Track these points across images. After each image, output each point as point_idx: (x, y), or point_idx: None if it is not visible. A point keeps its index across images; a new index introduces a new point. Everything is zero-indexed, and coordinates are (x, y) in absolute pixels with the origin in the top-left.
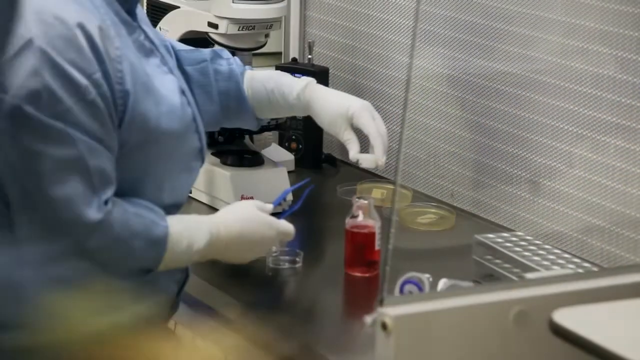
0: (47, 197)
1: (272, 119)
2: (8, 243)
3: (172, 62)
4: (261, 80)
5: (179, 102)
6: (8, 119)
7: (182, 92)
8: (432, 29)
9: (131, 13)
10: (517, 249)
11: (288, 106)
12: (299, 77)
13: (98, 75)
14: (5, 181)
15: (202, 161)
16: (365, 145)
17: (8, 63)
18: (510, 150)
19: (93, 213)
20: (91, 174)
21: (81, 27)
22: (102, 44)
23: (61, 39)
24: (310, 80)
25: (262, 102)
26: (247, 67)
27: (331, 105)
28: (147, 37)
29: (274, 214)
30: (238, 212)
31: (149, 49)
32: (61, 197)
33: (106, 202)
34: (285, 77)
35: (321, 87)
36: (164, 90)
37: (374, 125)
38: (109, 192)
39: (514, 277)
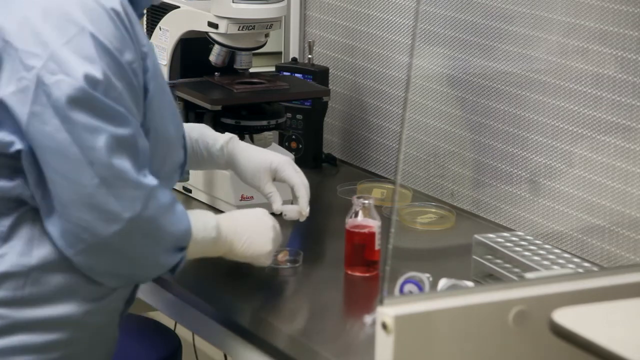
0: (108, 165)
1: (272, 120)
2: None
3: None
4: (185, 130)
5: (177, 113)
6: (69, 98)
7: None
8: (432, 28)
9: None
10: (517, 248)
11: (210, 157)
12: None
13: (137, 64)
14: (48, 163)
15: (181, 175)
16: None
17: (63, 48)
18: (510, 150)
19: (148, 179)
20: (139, 153)
21: (118, 15)
22: (136, 37)
23: (109, 28)
24: (233, 136)
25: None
26: None
27: (254, 159)
28: None
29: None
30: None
31: None
32: (120, 166)
33: None
34: (208, 130)
35: (243, 142)
36: (169, 97)
37: (298, 177)
38: (148, 170)
39: (514, 277)
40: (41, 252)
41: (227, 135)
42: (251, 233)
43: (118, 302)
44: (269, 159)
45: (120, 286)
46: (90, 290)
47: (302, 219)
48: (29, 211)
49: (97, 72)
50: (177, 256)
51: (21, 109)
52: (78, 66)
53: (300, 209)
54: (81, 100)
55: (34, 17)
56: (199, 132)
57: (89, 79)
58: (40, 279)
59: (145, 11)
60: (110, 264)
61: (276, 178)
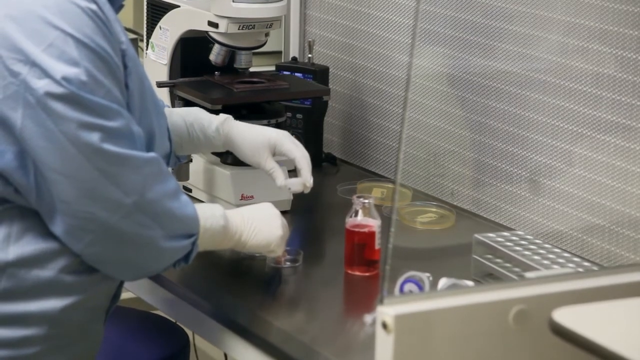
0: (105, 157)
1: (272, 119)
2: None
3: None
4: (180, 114)
5: (161, 105)
6: (59, 101)
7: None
8: (432, 27)
9: None
10: (517, 248)
11: (207, 139)
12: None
13: (118, 58)
14: (44, 159)
15: (167, 165)
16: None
17: (43, 54)
18: (510, 149)
19: (147, 155)
20: (135, 138)
21: (95, 14)
22: (114, 34)
23: (89, 27)
24: (228, 116)
25: (182, 137)
26: (165, 104)
27: (252, 136)
28: None
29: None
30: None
31: None
32: (117, 156)
33: None
34: (203, 112)
35: (239, 121)
36: (150, 91)
37: (298, 150)
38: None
39: (514, 277)
40: (18, 249)
41: (222, 115)
42: (259, 220)
43: (101, 299)
44: (267, 135)
45: (130, 279)
46: (69, 287)
47: (307, 191)
48: (8, 209)
49: (81, 74)
50: (185, 243)
51: (13, 115)
52: (61, 70)
53: (304, 181)
54: (71, 102)
55: (8, 25)
56: (194, 115)
57: (75, 82)
58: (17, 275)
59: (145, 9)
60: (118, 252)
61: (276, 153)
